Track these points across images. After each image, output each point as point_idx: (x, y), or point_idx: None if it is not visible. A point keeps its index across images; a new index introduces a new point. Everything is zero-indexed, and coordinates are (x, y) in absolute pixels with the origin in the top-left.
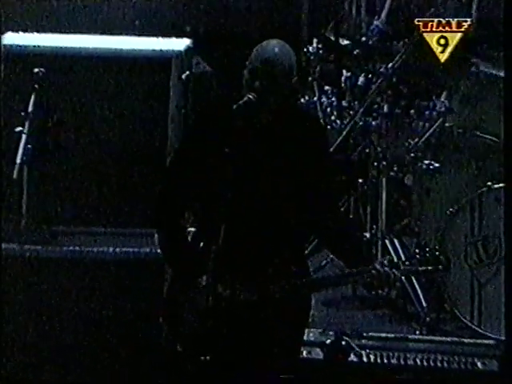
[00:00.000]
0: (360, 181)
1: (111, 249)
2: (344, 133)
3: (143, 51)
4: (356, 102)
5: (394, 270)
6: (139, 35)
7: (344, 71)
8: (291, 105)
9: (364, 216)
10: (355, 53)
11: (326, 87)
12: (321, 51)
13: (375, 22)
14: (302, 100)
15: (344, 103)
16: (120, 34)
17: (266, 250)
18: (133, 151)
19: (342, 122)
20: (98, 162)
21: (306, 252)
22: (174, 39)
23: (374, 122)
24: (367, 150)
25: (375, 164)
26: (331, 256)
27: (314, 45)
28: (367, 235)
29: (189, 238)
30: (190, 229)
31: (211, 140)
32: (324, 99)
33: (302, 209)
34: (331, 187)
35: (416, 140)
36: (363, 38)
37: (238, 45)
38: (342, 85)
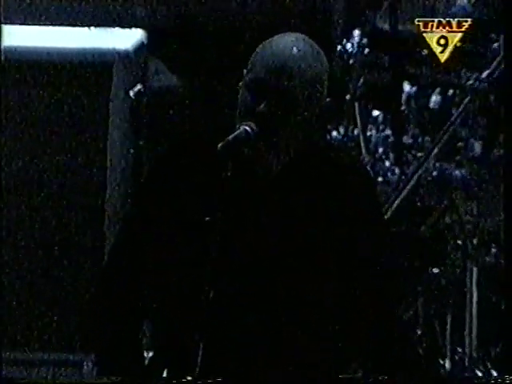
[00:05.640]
0: (435, 271)
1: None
2: (407, 189)
3: (67, 50)
4: (426, 138)
5: None
6: (62, 24)
7: (406, 84)
8: (317, 143)
9: (441, 331)
10: (424, 53)
11: (376, 112)
12: (367, 50)
13: (459, 2)
14: (335, 133)
15: (406, 139)
16: (32, 23)
17: (276, 380)
18: (50, 219)
19: (402, 171)
20: None
21: None
22: (117, 30)
23: (457, 171)
24: (446, 219)
25: (459, 242)
26: None
27: (356, 39)
28: (447, 365)
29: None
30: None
31: (182, 202)
32: (372, 132)
33: (335, 315)
34: (385, 280)
35: None
36: None
37: (227, 41)
38: (403, 107)
